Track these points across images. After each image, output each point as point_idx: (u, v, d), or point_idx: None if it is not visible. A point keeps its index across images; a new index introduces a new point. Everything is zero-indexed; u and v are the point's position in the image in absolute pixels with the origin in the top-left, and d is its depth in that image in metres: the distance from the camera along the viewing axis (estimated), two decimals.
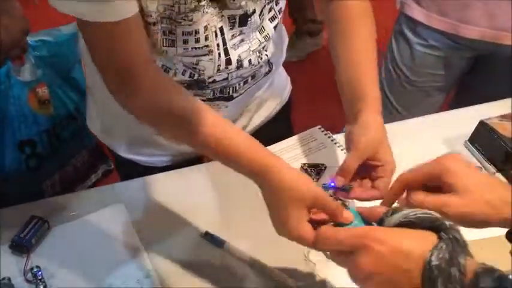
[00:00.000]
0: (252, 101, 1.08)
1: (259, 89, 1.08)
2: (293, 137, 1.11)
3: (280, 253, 0.91)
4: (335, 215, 0.73)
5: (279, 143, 1.10)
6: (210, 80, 0.93)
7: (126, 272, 0.88)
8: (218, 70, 0.90)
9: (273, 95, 1.16)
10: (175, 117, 0.80)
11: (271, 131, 1.14)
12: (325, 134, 1.13)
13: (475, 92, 1.54)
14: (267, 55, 0.97)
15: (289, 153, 1.08)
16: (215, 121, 0.80)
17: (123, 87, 0.79)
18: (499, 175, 1.06)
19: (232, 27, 0.88)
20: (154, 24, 0.81)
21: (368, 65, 0.90)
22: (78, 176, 1.32)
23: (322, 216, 0.75)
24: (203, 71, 0.90)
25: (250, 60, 0.93)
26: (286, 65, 1.18)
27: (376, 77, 0.90)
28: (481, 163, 1.10)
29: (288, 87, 1.23)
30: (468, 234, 0.93)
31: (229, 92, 0.98)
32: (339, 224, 0.73)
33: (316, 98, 2.53)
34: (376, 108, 0.87)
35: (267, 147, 1.06)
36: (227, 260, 0.90)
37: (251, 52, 0.93)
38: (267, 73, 1.03)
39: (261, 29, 0.93)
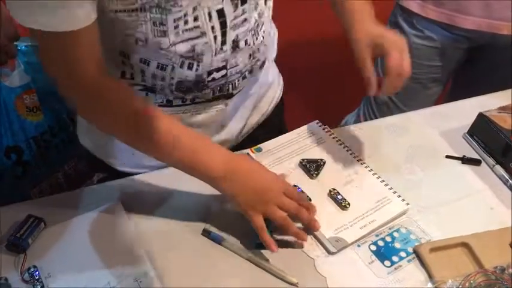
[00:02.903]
0: (248, 97, 1.07)
1: (255, 83, 1.07)
2: (291, 132, 1.11)
3: (279, 249, 0.91)
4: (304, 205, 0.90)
5: (277, 138, 1.09)
6: (209, 78, 0.92)
7: (124, 271, 0.87)
8: (215, 54, 0.89)
9: (268, 91, 1.15)
10: (129, 122, 0.84)
11: (266, 132, 1.13)
12: (323, 129, 1.12)
13: (472, 84, 1.54)
14: (263, 36, 0.96)
15: (287, 149, 1.07)
16: (170, 121, 0.86)
17: (75, 96, 0.83)
18: (498, 167, 1.06)
19: (235, 8, 0.86)
20: (141, 10, 0.79)
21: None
22: (69, 184, 1.30)
23: None
24: (201, 56, 0.88)
25: (246, 41, 0.91)
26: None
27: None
28: (480, 155, 1.10)
29: (281, 84, 1.22)
30: (468, 227, 0.94)
31: (228, 89, 0.97)
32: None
33: (310, 93, 2.53)
34: (367, 17, 0.96)
35: (265, 142, 1.07)
36: (226, 257, 0.90)
37: (248, 32, 0.91)
38: (261, 66, 1.02)
39: (255, 6, 0.91)
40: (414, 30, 1.47)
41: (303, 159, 1.04)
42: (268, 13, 0.97)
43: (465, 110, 1.18)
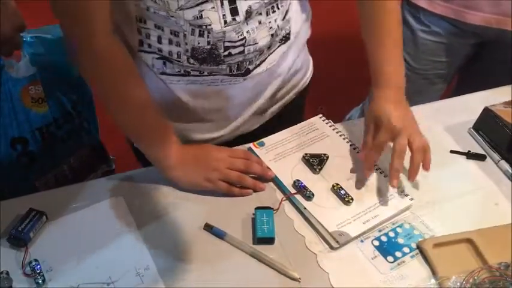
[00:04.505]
0: (272, 80, 1.07)
1: (279, 66, 1.06)
2: (294, 126, 1.10)
3: (281, 244, 0.90)
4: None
5: (280, 133, 1.08)
6: (226, 53, 0.91)
7: (126, 265, 0.87)
8: (225, 22, 0.88)
9: (294, 75, 1.14)
10: (117, 79, 0.90)
11: (285, 117, 1.13)
12: (327, 123, 1.11)
13: (479, 79, 1.53)
14: (286, 12, 0.95)
15: (290, 143, 1.06)
16: (148, 95, 0.92)
17: (83, 53, 0.86)
18: (503, 163, 1.05)
19: None
20: None
21: (387, 49, 1.02)
22: (74, 176, 1.30)
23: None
24: (210, 25, 0.88)
25: (261, 14, 0.91)
26: None
27: (395, 58, 1.02)
28: (485, 150, 1.09)
29: (310, 71, 1.21)
30: (473, 223, 0.93)
31: (245, 66, 0.97)
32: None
33: (314, 87, 2.52)
34: (387, 84, 1.01)
35: (268, 137, 1.06)
36: (228, 251, 0.90)
37: (264, 3, 0.91)
38: (283, 40, 1.01)
39: None
40: (421, 25, 1.46)
41: (306, 154, 1.03)
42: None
43: (470, 105, 1.17)
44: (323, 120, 1.12)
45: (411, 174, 0.95)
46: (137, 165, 1.03)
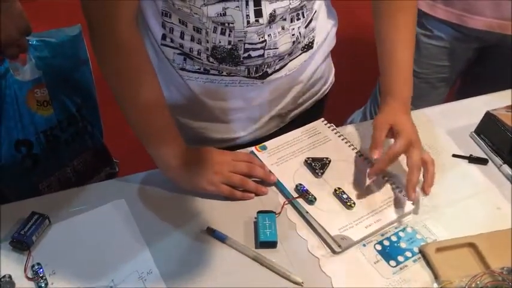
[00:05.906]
0: (292, 86, 1.08)
1: (300, 73, 1.07)
2: (296, 130, 1.10)
3: (284, 248, 0.90)
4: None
5: (282, 136, 1.08)
6: (245, 54, 0.92)
7: (128, 268, 0.87)
8: (248, 23, 0.89)
9: (315, 84, 1.14)
10: (132, 71, 0.89)
11: (304, 122, 1.13)
12: (329, 127, 1.11)
13: (481, 83, 1.53)
14: (310, 20, 0.96)
15: (292, 147, 1.06)
16: (161, 94, 0.92)
17: (104, 39, 0.86)
18: (505, 167, 1.05)
19: None
20: None
21: (400, 63, 1.03)
22: (78, 179, 1.31)
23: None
24: (232, 23, 0.89)
25: (285, 19, 0.92)
26: None
27: (406, 74, 1.04)
28: (487, 154, 1.09)
29: (329, 81, 1.22)
30: (475, 227, 0.93)
31: (263, 69, 0.98)
32: None
33: None
34: (402, 97, 1.03)
35: (270, 140, 1.07)
36: (230, 255, 0.89)
37: (289, 9, 0.91)
38: (305, 48, 1.01)
39: None
40: (423, 29, 1.46)
41: (308, 158, 1.03)
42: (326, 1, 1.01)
43: (472, 109, 1.17)
44: (325, 124, 1.12)
45: (427, 186, 0.97)
46: (141, 168, 1.03)
